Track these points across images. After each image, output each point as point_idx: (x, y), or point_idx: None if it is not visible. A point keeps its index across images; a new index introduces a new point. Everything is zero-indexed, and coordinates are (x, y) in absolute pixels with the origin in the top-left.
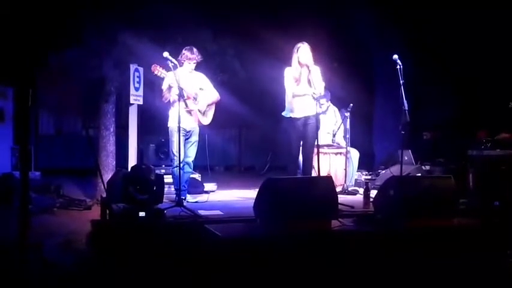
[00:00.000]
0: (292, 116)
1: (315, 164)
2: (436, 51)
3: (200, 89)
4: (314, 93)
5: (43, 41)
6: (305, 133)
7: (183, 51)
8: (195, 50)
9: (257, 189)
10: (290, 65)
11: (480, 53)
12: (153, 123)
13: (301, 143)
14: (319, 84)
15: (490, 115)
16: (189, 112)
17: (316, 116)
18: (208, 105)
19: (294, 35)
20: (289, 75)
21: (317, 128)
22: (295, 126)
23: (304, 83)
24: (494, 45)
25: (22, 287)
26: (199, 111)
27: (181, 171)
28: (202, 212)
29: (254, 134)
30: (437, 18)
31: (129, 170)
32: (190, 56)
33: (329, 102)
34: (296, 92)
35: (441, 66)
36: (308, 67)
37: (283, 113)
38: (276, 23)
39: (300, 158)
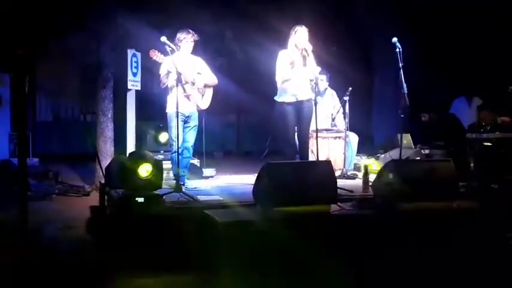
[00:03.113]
0: (285, 101)
1: (313, 148)
2: (435, 34)
3: (198, 73)
4: (311, 77)
5: (40, 27)
6: (300, 117)
7: (178, 34)
8: (190, 30)
9: (256, 174)
10: (286, 48)
11: (480, 34)
12: (152, 108)
13: (296, 127)
14: (315, 69)
15: (489, 98)
16: (187, 97)
17: (313, 100)
18: (205, 85)
19: (292, 18)
20: (284, 58)
21: (312, 112)
22: (289, 111)
23: (299, 67)
24: (495, 27)
25: (21, 272)
26: (198, 90)
27: (180, 156)
28: (201, 197)
29: (252, 119)
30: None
31: (127, 156)
32: (187, 36)
33: (327, 83)
34: (288, 76)
35: (441, 49)
36: (306, 50)
37: (276, 98)
38: (274, 6)
39: (297, 142)
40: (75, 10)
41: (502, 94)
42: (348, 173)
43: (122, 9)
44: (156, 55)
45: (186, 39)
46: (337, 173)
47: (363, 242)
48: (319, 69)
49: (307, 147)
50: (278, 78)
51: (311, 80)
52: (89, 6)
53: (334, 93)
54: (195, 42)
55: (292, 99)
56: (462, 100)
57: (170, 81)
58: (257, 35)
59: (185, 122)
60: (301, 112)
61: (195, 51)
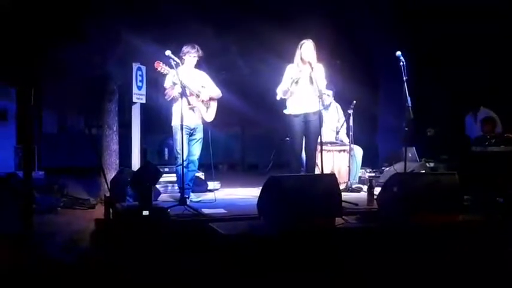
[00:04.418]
0: (292, 113)
1: (318, 161)
2: (441, 46)
3: (202, 86)
4: (316, 93)
5: (46, 40)
6: (307, 130)
7: (184, 47)
8: (196, 46)
9: (261, 187)
10: (293, 62)
11: (488, 45)
12: (157, 121)
13: (304, 140)
14: (321, 82)
15: (495, 110)
16: (193, 109)
17: (319, 113)
18: (210, 98)
19: (297, 32)
20: (288, 72)
21: (319, 125)
22: (296, 123)
23: (305, 81)
24: (499, 40)
25: (27, 285)
26: (203, 103)
27: (185, 169)
28: (205, 211)
29: (257, 132)
30: (441, 13)
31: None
32: (191, 51)
33: (332, 98)
34: (285, 88)
35: (445, 63)
36: (311, 64)
37: (284, 111)
38: (279, 20)
39: (303, 155)
40: (79, 24)
41: (508, 106)
42: (353, 186)
43: (127, 23)
44: (160, 66)
45: (190, 54)
46: (342, 186)
47: (368, 255)
48: (325, 82)
49: (314, 162)
50: (278, 90)
51: (317, 95)
52: (94, 20)
53: (338, 106)
54: (200, 58)
55: (298, 112)
56: (470, 115)
57: (175, 93)
58: (262, 50)
59: (191, 134)
60: (309, 125)
61: (199, 66)
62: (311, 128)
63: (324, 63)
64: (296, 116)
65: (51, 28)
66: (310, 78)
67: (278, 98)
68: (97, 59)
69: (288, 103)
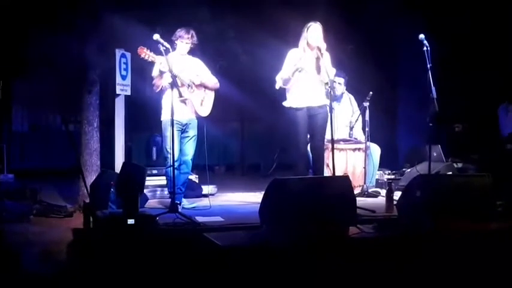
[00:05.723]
0: (293, 106)
1: (329, 161)
2: (469, 29)
3: (196, 75)
4: (325, 81)
5: (15, 27)
6: (312, 126)
7: (177, 30)
8: (191, 31)
9: (263, 192)
10: (297, 47)
11: None
12: (144, 116)
13: (309, 137)
14: (330, 71)
15: None
16: (184, 102)
17: (328, 107)
18: (205, 86)
19: (304, 13)
20: (290, 57)
21: (326, 119)
22: (299, 118)
23: (311, 69)
24: None
25: None
26: (197, 99)
27: (176, 171)
28: (200, 219)
29: (259, 129)
30: None
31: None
32: (184, 36)
33: (344, 87)
34: (287, 76)
35: (475, 47)
36: (320, 50)
37: (284, 103)
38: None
39: (310, 154)
40: (54, 5)
41: None
42: (369, 190)
43: (109, 4)
44: (144, 53)
45: (182, 39)
46: (357, 190)
47: (386, 268)
48: (334, 70)
49: (322, 161)
50: (277, 77)
51: (326, 84)
52: (71, 1)
53: (352, 97)
54: (193, 45)
55: (302, 104)
56: (502, 107)
57: (164, 83)
58: (263, 34)
59: (183, 131)
60: (314, 119)
61: (193, 53)
62: (317, 123)
63: (333, 49)
64: (298, 109)
65: (21, 12)
66: (318, 66)
67: (277, 87)
68: (74, 45)
69: (288, 94)
